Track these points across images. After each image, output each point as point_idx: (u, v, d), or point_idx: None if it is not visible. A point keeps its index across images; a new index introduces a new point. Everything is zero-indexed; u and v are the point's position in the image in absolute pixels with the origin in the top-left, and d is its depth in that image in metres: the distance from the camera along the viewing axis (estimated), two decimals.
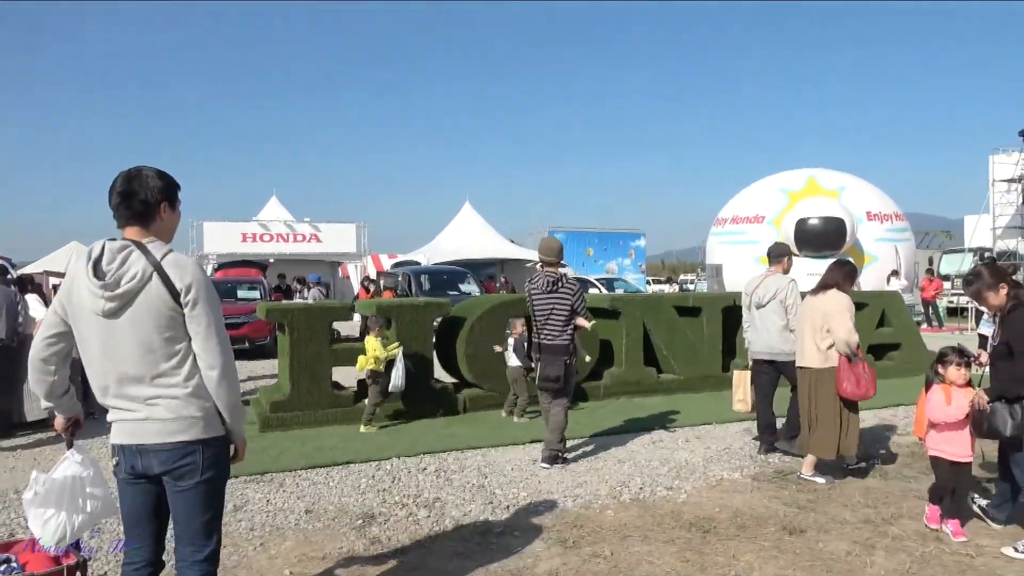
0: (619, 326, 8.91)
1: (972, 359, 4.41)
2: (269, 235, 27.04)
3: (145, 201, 2.57)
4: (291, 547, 4.19)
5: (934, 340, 11.73)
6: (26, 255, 27.14)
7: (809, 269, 19.44)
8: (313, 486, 5.40)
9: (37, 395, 2.74)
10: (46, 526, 2.83)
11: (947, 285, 22.28)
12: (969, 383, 4.32)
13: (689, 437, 6.91)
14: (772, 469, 5.81)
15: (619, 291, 22.69)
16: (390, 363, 7.31)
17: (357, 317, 14.21)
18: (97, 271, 2.50)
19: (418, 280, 17.44)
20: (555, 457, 5.92)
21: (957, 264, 24.40)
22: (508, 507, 4.90)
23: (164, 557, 2.81)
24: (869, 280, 19.23)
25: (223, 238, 26.05)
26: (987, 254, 20.84)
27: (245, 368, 11.72)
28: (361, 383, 8.49)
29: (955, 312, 21.65)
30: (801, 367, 5.57)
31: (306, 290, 17.85)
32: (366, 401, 7.39)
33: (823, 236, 19.25)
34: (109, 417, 2.62)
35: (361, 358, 7.30)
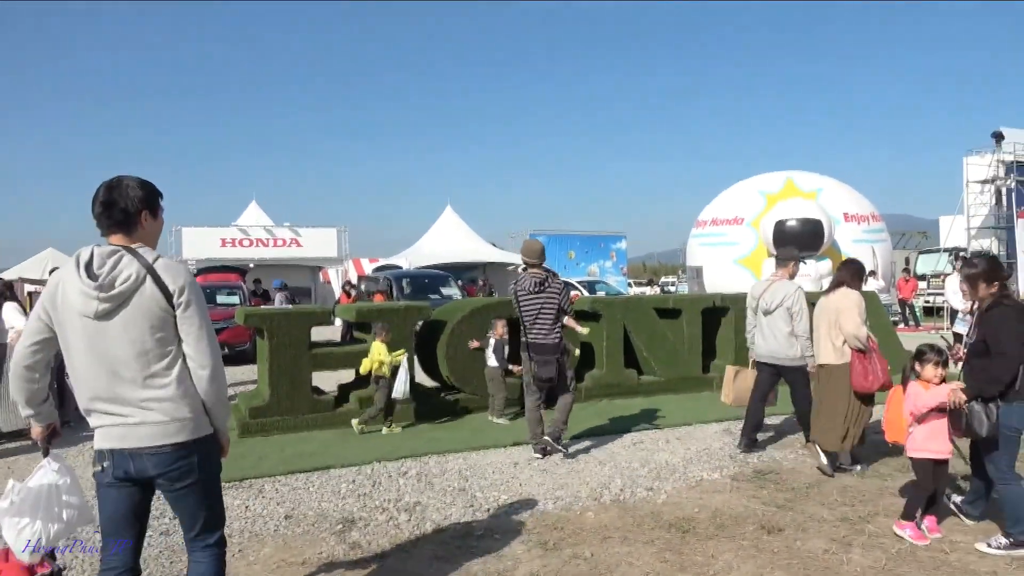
0: (599, 328, 8.94)
1: (950, 356, 4.48)
2: (249, 240, 26.84)
3: (125, 210, 2.61)
4: (270, 553, 4.17)
5: (911, 339, 11.87)
6: (1, 261, 26.77)
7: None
8: (293, 491, 5.37)
9: (18, 402, 2.75)
10: (20, 535, 2.80)
11: (923, 285, 22.58)
12: (943, 382, 4.37)
13: (669, 438, 6.95)
14: (751, 469, 5.86)
15: (600, 293, 22.78)
16: (393, 369, 7.33)
17: (339, 322, 14.15)
18: (90, 273, 2.53)
19: (400, 284, 17.40)
20: (558, 438, 6.21)
21: (933, 264, 24.74)
22: (489, 510, 4.90)
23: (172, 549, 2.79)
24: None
25: (202, 243, 25.82)
26: (961, 254, 21.12)
27: (225, 373, 11.63)
28: (342, 387, 8.46)
29: (931, 312, 21.95)
30: (820, 364, 5.84)
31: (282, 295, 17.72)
32: (362, 405, 7.45)
33: (801, 237, 19.43)
34: (95, 422, 2.61)
35: (365, 360, 7.29)
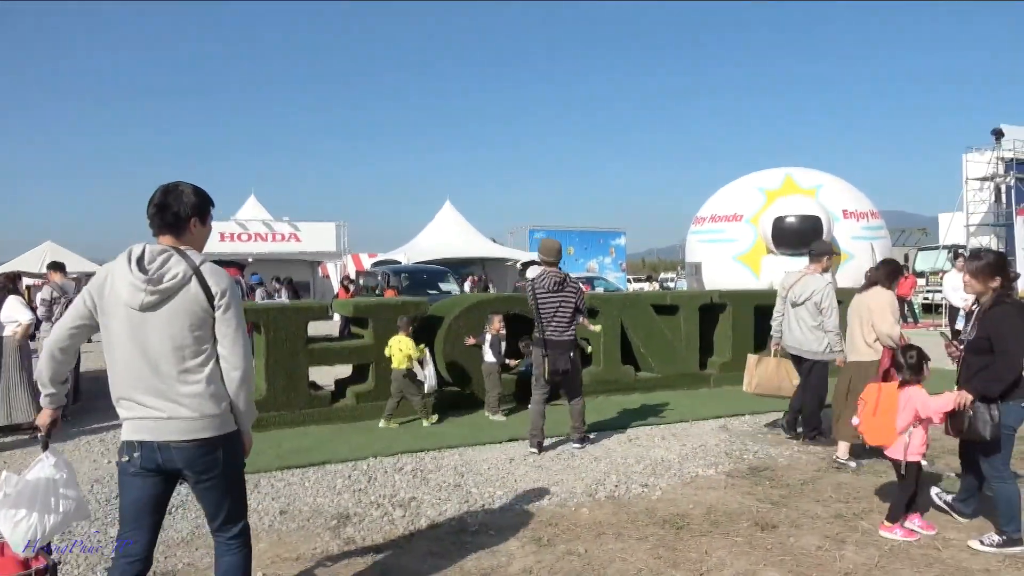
0: (596, 324, 8.94)
1: (948, 353, 4.50)
2: (247, 234, 26.80)
3: (177, 214, 2.78)
4: (264, 548, 4.17)
5: (909, 336, 11.86)
6: None
7: (786, 266, 19.68)
8: (288, 487, 5.38)
9: (41, 380, 2.82)
10: (16, 528, 2.81)
11: (921, 282, 22.56)
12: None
13: (665, 435, 6.96)
14: (746, 466, 5.86)
15: (599, 289, 22.77)
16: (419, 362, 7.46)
17: (337, 317, 14.15)
18: (141, 267, 2.67)
19: (398, 279, 17.37)
20: (584, 439, 6.48)
21: (932, 261, 24.70)
22: (484, 506, 4.91)
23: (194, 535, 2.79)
24: (847, 277, 19.44)
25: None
26: (960, 251, 21.11)
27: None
28: (339, 383, 8.47)
29: (929, 308, 21.95)
30: (851, 360, 5.97)
31: (283, 290, 17.71)
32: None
33: (800, 234, 19.41)
34: (125, 414, 2.71)
35: (398, 355, 7.31)
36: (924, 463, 4.79)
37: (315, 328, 8.51)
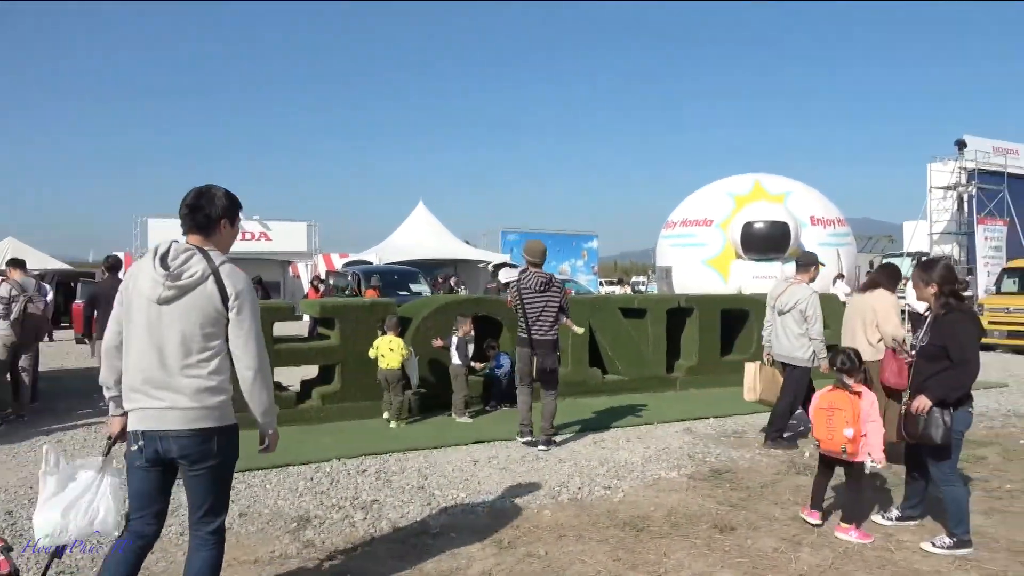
0: (564, 327, 8.97)
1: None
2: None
3: (208, 216, 2.94)
4: None
5: None
6: None
7: (755, 272, 19.94)
8: (249, 489, 5.32)
9: (105, 383, 2.97)
10: (47, 520, 2.91)
11: None
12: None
13: (630, 437, 7.01)
14: (708, 468, 5.93)
15: (572, 292, 22.85)
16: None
17: (307, 317, 14.02)
18: (163, 263, 2.82)
19: (368, 280, 17.26)
20: (549, 441, 6.53)
21: None
22: (447, 508, 4.90)
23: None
24: (814, 283, 19.75)
25: (169, 235, 25.02)
26: (923, 258, 21.57)
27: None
28: (304, 384, 8.40)
29: None
30: None
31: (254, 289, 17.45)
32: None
33: (768, 240, 19.73)
34: (131, 405, 2.85)
35: (392, 355, 7.36)
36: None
37: (285, 328, 8.44)
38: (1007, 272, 17.40)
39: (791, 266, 20.39)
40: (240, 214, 3.10)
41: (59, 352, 15.32)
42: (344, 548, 4.21)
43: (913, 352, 4.48)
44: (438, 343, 7.93)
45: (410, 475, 5.68)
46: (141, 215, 25.86)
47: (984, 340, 15.23)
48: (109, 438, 3.03)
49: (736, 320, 10.43)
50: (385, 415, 7.54)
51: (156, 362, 2.79)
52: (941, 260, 4.64)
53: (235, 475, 5.57)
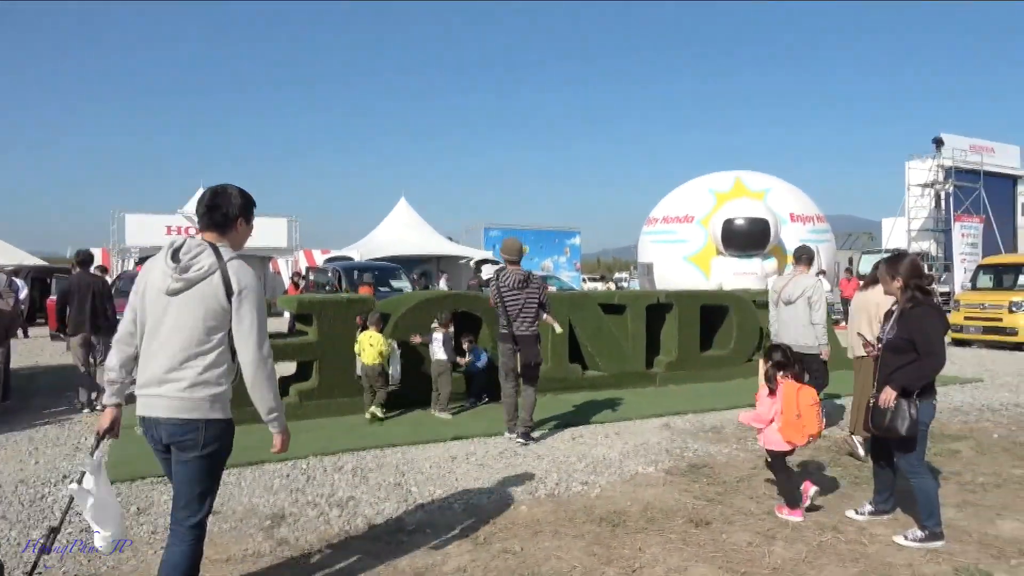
0: (544, 323, 8.97)
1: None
2: (195, 228, 26.06)
3: (225, 215, 3.04)
4: None
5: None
6: None
7: (735, 268, 20.05)
8: (223, 486, 5.19)
9: (111, 367, 3.02)
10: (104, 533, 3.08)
11: None
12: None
13: (609, 433, 7.02)
14: (686, 463, 5.94)
15: (553, 288, 22.86)
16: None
17: (286, 314, 13.91)
18: (175, 257, 2.91)
19: (349, 276, 17.16)
20: (528, 434, 6.57)
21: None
22: (423, 505, 4.88)
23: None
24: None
25: (146, 230, 25.11)
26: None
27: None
28: (282, 380, 8.31)
29: None
30: (858, 356, 6.16)
31: None
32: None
33: (748, 236, 19.80)
34: (138, 391, 2.96)
35: (371, 350, 7.37)
36: None
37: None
38: (983, 268, 17.62)
39: (771, 262, 20.40)
40: (254, 212, 3.19)
41: (34, 348, 15.10)
42: (319, 546, 4.18)
43: (880, 345, 4.52)
44: (417, 339, 7.89)
45: (387, 472, 5.64)
46: (119, 210, 25.53)
47: (960, 336, 15.49)
48: (97, 433, 3.05)
49: (716, 316, 10.48)
50: (367, 415, 7.46)
51: (162, 351, 2.89)
52: (907, 255, 4.71)
53: None
